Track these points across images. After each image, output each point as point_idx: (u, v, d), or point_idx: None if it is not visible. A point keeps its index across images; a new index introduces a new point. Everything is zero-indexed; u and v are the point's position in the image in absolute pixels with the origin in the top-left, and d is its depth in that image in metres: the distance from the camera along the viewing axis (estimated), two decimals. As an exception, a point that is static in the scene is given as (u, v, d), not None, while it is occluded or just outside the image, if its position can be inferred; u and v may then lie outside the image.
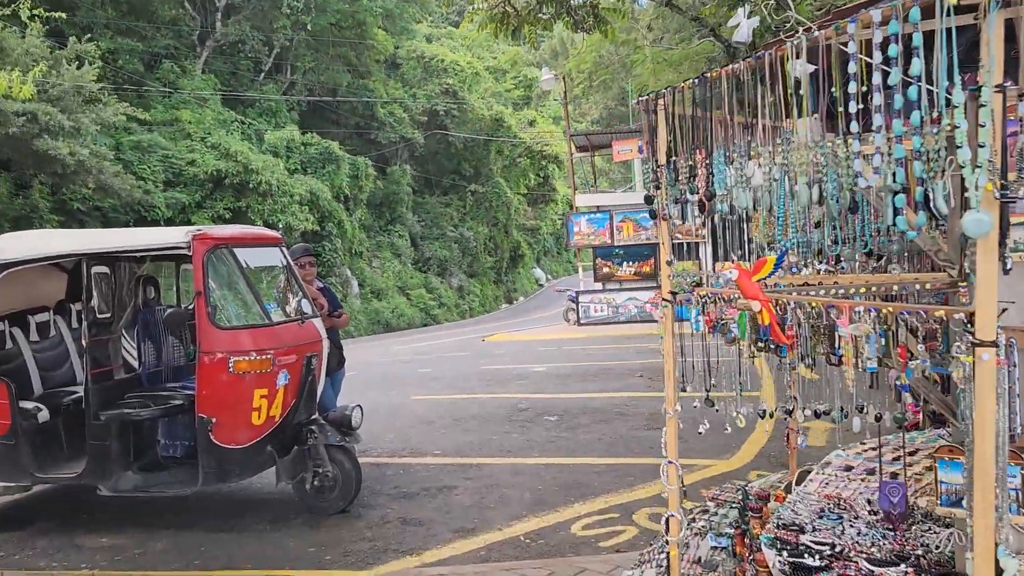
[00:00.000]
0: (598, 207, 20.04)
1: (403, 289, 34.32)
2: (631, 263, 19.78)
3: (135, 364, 6.16)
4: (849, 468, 3.24)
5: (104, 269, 5.90)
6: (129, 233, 7.84)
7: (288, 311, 5.98)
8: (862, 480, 3.16)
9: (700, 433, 3.29)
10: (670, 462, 3.24)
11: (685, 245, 19.87)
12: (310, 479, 5.69)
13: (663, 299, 3.15)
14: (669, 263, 3.15)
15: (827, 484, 3.17)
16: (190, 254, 5.39)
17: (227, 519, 5.82)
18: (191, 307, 5.69)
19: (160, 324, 6.30)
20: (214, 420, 5.28)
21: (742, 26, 2.79)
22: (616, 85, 32.87)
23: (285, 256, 6.18)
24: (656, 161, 3.03)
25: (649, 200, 3.05)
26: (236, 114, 28.76)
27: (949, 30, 1.94)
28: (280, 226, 24.36)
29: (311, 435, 5.70)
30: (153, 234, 6.60)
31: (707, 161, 2.76)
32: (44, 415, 5.72)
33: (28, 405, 5.70)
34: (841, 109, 2.23)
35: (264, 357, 5.40)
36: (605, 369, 11.93)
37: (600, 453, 7.05)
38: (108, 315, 5.92)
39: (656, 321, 19.71)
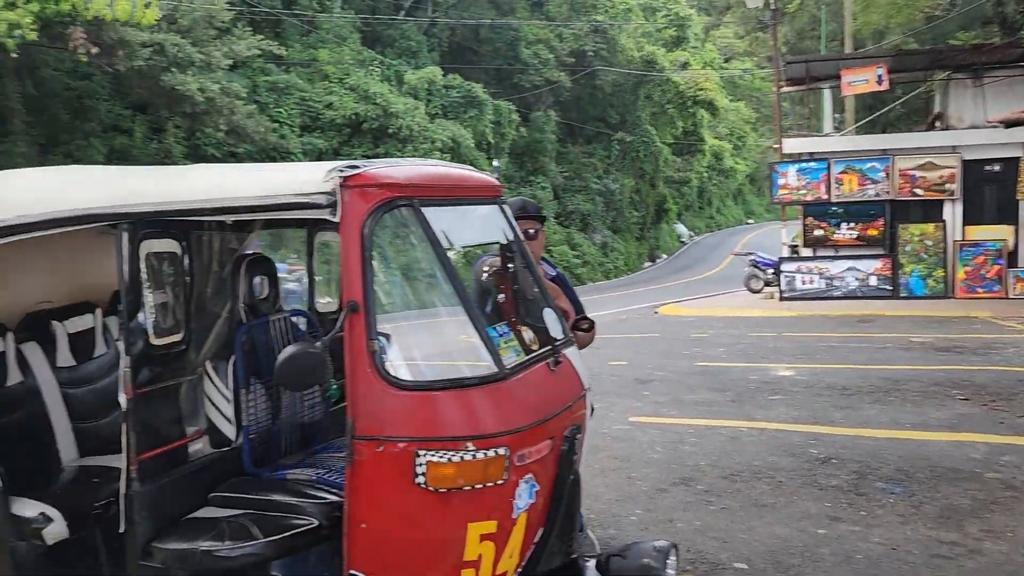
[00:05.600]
0: (811, 154, 16.18)
1: (545, 246, 31.57)
2: (852, 224, 15.90)
3: (229, 429, 3.05)
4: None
5: (171, 245, 2.87)
6: (211, 175, 3.24)
7: (527, 339, 2.92)
8: None
9: None
10: None
11: (922, 204, 15.76)
12: None
13: None
14: None
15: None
16: (335, 218, 2.48)
17: None
18: (337, 332, 2.63)
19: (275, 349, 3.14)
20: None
21: None
22: (807, 12, 28.18)
23: (509, 222, 3.12)
24: None
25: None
26: (375, 53, 26.38)
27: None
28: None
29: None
30: (258, 178, 2.97)
31: None
32: (57, 530, 2.94)
33: (30, 511, 2.90)
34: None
35: (492, 453, 2.41)
36: (889, 380, 8.39)
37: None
38: (177, 334, 2.89)
39: (887, 297, 15.55)
